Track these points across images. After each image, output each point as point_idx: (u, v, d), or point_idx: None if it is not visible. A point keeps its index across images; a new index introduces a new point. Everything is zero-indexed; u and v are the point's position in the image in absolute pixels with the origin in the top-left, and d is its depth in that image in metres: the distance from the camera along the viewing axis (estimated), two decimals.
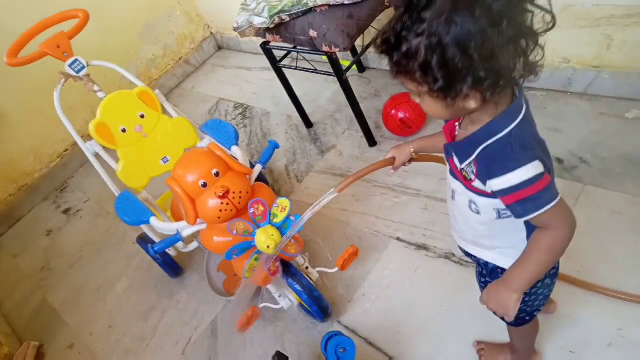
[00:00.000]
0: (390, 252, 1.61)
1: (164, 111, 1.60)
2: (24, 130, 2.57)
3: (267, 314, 1.57)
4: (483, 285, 1.00)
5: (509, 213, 0.76)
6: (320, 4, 1.65)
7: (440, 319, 1.38)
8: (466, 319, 1.34)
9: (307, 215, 1.03)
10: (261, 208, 1.18)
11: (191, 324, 1.70)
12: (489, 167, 0.72)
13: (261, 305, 1.42)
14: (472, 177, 0.76)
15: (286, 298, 1.45)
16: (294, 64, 1.96)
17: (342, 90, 1.81)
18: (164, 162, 1.59)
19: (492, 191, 0.74)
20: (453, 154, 0.80)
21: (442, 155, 0.87)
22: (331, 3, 1.65)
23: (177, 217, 1.64)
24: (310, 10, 1.69)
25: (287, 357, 1.20)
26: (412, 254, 1.57)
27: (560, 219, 0.72)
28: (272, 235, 1.15)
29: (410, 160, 1.05)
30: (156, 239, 1.71)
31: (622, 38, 1.57)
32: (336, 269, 1.41)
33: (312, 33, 1.68)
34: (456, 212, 0.90)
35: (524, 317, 0.98)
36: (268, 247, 1.14)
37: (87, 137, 1.57)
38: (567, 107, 1.76)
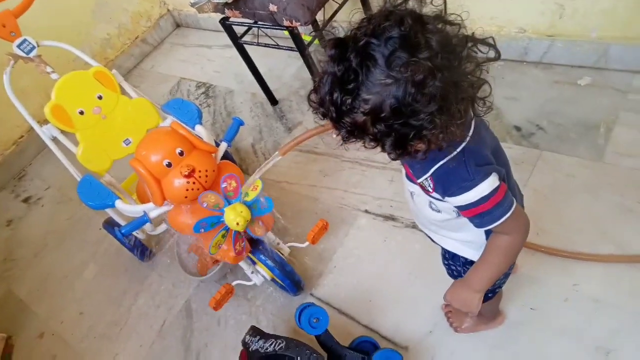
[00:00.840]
0: (359, 224, 1.64)
1: (123, 92, 1.56)
2: None
3: (241, 291, 1.58)
4: (447, 266, 1.05)
5: None
6: None
7: (410, 286, 1.43)
8: (434, 285, 1.37)
9: (253, 178, 1.05)
10: (234, 184, 1.17)
11: (165, 306, 1.70)
12: (446, 187, 0.73)
13: (234, 283, 1.43)
14: (430, 189, 0.77)
15: (259, 274, 1.46)
16: (256, 41, 1.93)
17: (306, 67, 1.80)
18: (127, 145, 1.55)
19: (455, 207, 0.77)
20: (409, 165, 0.81)
21: None
22: None
23: (143, 200, 1.61)
24: None
25: (262, 331, 1.22)
26: (380, 225, 1.61)
27: (515, 226, 0.77)
28: (242, 212, 1.15)
29: None
30: (123, 223, 1.68)
31: (574, 7, 1.61)
32: (307, 243, 1.43)
33: (272, 7, 1.65)
34: (416, 210, 0.92)
35: (488, 295, 1.03)
36: (237, 224, 1.14)
37: (43, 122, 1.52)
38: (524, 76, 1.82)
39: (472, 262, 0.94)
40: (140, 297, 1.77)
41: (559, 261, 1.32)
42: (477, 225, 0.76)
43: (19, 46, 1.45)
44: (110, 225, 1.76)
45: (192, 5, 1.79)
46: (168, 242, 1.88)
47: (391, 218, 1.61)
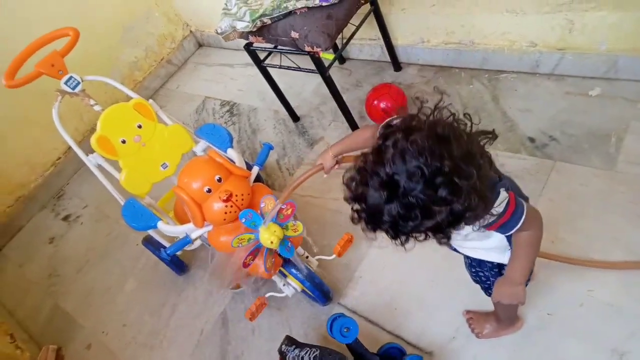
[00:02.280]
0: (382, 236, 1.73)
1: (160, 120, 1.68)
2: (15, 142, 2.62)
3: (274, 303, 1.68)
4: (474, 273, 1.14)
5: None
6: (299, 7, 1.73)
7: (432, 293, 1.52)
8: (455, 292, 1.48)
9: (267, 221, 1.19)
10: (250, 217, 1.25)
11: (202, 317, 1.82)
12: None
13: (267, 295, 1.54)
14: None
15: (290, 286, 1.57)
16: (278, 64, 2.04)
17: (325, 85, 1.90)
18: (164, 169, 1.67)
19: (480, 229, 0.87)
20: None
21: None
22: (310, 5, 1.73)
23: (180, 219, 1.74)
24: (290, 13, 1.77)
25: (296, 340, 1.32)
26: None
27: (532, 222, 0.88)
28: (275, 231, 1.26)
29: (337, 163, 1.17)
30: (162, 241, 1.81)
31: (583, 22, 1.68)
32: (334, 256, 1.53)
33: (294, 35, 1.76)
34: None
35: None
36: (272, 242, 1.25)
37: (80, 144, 1.64)
38: (536, 88, 1.89)
39: (498, 265, 1.05)
40: (178, 308, 1.90)
41: (574, 269, 1.39)
42: (502, 233, 0.89)
43: (65, 83, 1.58)
44: (149, 242, 1.89)
45: (219, 34, 1.91)
46: (202, 256, 2.00)
47: None
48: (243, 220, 1.24)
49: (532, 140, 1.74)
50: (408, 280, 1.58)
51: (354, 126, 2.07)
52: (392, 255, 1.67)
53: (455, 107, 1.99)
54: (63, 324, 2.08)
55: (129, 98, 1.66)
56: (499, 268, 1.05)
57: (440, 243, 0.77)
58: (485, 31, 1.94)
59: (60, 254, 2.43)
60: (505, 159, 1.72)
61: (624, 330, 1.25)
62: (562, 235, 1.46)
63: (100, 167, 1.67)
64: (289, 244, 1.33)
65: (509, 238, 0.97)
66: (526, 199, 1.03)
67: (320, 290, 1.50)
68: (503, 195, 0.84)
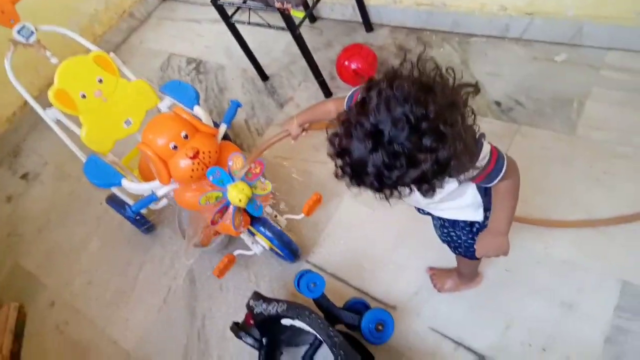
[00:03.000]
0: (350, 196, 1.75)
1: (122, 75, 1.62)
2: None
3: (242, 261, 1.69)
4: (445, 234, 1.16)
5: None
6: None
7: (398, 252, 1.56)
8: (418, 250, 1.52)
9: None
10: (218, 174, 1.24)
11: (169, 275, 1.82)
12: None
13: (236, 252, 1.55)
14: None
15: (258, 245, 1.58)
16: (247, 20, 1.97)
17: (295, 44, 1.86)
18: (127, 125, 1.62)
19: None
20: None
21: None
22: None
23: (145, 177, 1.70)
24: None
25: (264, 295, 1.34)
26: (369, 195, 1.71)
27: (511, 171, 0.90)
28: (243, 189, 1.26)
29: (304, 130, 1.20)
30: (127, 199, 1.78)
31: None
32: (302, 215, 1.55)
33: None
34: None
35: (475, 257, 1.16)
36: (240, 200, 1.25)
37: (37, 99, 1.57)
38: (505, 53, 1.90)
39: (471, 224, 1.07)
40: (145, 267, 1.89)
41: (534, 228, 1.45)
42: (486, 184, 0.90)
43: (18, 32, 1.49)
44: (113, 201, 1.85)
45: None
46: (168, 215, 1.98)
47: None
48: (210, 178, 1.23)
49: (498, 104, 1.77)
50: (375, 240, 1.62)
51: (324, 87, 2.05)
52: (359, 215, 1.69)
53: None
54: (25, 283, 2.04)
55: (88, 52, 1.58)
56: (471, 226, 1.08)
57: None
58: None
59: (20, 213, 2.35)
60: None
61: (575, 284, 1.33)
62: (524, 196, 1.48)
63: (59, 123, 1.61)
64: (258, 202, 1.33)
65: (484, 192, 0.98)
66: None
67: (288, 249, 1.52)
68: (486, 147, 0.84)
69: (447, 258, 1.37)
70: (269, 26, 1.92)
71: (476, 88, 0.78)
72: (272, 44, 2.43)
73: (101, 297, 1.87)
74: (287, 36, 1.87)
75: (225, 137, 1.68)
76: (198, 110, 1.50)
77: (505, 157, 0.89)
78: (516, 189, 0.94)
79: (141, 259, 1.91)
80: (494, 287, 1.39)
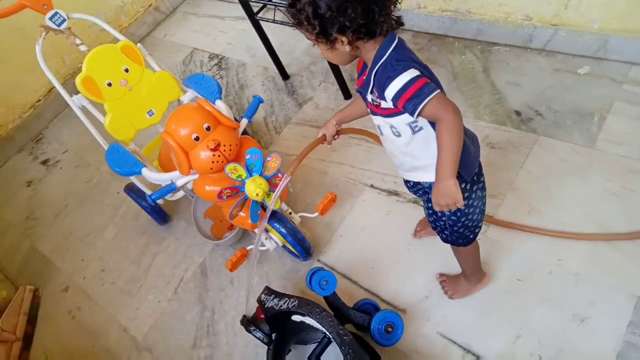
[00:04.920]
0: (365, 198, 1.76)
1: (148, 65, 1.65)
2: None
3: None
4: (431, 212, 1.16)
5: (419, 125, 0.98)
6: None
7: (409, 256, 1.57)
8: (431, 256, 1.53)
9: (277, 193, 1.22)
10: (238, 169, 1.26)
11: (181, 266, 1.84)
12: (381, 82, 0.93)
13: (249, 247, 1.56)
14: (378, 100, 0.97)
15: (272, 240, 1.59)
16: (272, 17, 2.00)
17: None
18: (150, 116, 1.65)
19: (392, 103, 0.93)
20: (364, 94, 1.00)
21: (361, 128, 1.11)
22: None
23: (164, 168, 1.73)
24: None
25: (276, 291, 1.35)
26: (384, 199, 1.73)
27: (443, 107, 0.91)
28: (261, 184, 1.27)
29: (337, 132, 1.25)
30: (145, 189, 1.81)
31: None
32: (317, 214, 1.56)
33: None
34: (388, 145, 1.10)
35: (469, 236, 1.19)
36: (257, 194, 1.26)
37: (62, 86, 1.60)
38: (527, 62, 1.90)
39: None
40: (158, 257, 1.91)
41: (547, 238, 1.44)
42: (412, 111, 0.91)
43: (50, 19, 1.53)
44: (131, 190, 1.88)
45: None
46: (184, 207, 2.01)
47: (395, 193, 1.73)
48: (229, 174, 1.25)
49: (518, 113, 1.77)
50: (387, 243, 1.63)
51: (344, 88, 2.06)
52: (373, 218, 1.70)
53: (446, 76, 1.99)
54: (40, 266, 2.08)
55: (115, 41, 1.61)
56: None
57: (322, 42, 0.92)
58: (482, 1, 1.92)
59: (38, 198, 2.40)
60: (490, 130, 1.75)
61: (587, 297, 1.32)
62: (538, 206, 1.52)
63: (84, 109, 1.64)
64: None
65: None
66: (476, 141, 1.10)
67: (301, 246, 1.53)
68: (412, 71, 0.90)
69: (457, 264, 1.37)
70: (293, 25, 1.94)
71: None
72: (295, 44, 2.45)
73: (114, 284, 1.90)
74: None
75: (244, 132, 1.70)
76: (220, 104, 1.52)
77: (437, 92, 0.90)
78: (454, 130, 0.92)
79: (155, 249, 1.94)
80: (505, 296, 1.39)
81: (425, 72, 0.93)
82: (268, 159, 1.33)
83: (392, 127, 1.01)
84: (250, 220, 1.38)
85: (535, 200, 1.53)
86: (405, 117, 0.96)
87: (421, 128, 0.99)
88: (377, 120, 1.04)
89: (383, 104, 0.97)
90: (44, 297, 1.97)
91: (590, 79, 1.76)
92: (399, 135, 1.02)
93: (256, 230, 1.32)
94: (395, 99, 0.91)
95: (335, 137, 1.25)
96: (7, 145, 2.67)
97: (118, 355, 1.69)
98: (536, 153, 1.64)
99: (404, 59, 0.92)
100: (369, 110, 1.06)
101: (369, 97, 0.99)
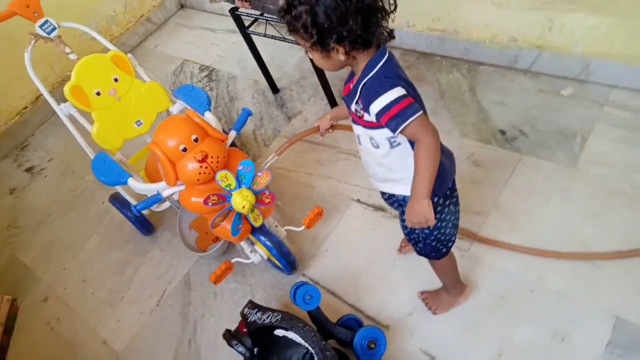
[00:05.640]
0: (351, 212, 1.77)
1: (137, 75, 1.65)
2: None
3: (239, 269, 1.70)
4: (406, 225, 1.16)
5: (397, 140, 1.00)
6: None
7: (393, 272, 1.57)
8: (415, 272, 1.53)
9: (264, 165, 1.25)
10: (229, 177, 1.27)
11: (165, 278, 1.82)
12: (367, 96, 0.94)
13: (233, 260, 1.55)
14: (362, 112, 0.98)
15: (257, 253, 1.59)
16: (263, 32, 2.02)
17: (308, 58, 1.90)
18: (138, 125, 1.65)
19: (375, 117, 0.95)
20: (349, 103, 1.02)
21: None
22: None
23: (151, 178, 1.72)
24: None
25: (259, 305, 1.35)
26: (370, 214, 1.74)
27: (424, 129, 0.94)
28: (248, 197, 1.27)
29: (332, 127, 1.29)
30: (130, 199, 1.79)
31: (562, 22, 1.74)
32: (303, 227, 1.56)
33: (282, 2, 1.74)
34: (365, 155, 1.12)
35: (442, 249, 1.21)
36: (244, 207, 1.26)
37: (50, 94, 1.60)
38: (512, 83, 1.94)
39: None
40: (142, 268, 1.89)
41: (529, 256, 1.46)
42: (394, 128, 0.93)
43: (41, 26, 1.53)
44: (116, 200, 1.86)
45: None
46: (169, 218, 1.99)
47: (381, 209, 1.74)
48: (219, 182, 1.24)
49: (503, 132, 1.80)
50: (372, 258, 1.63)
51: (333, 103, 2.08)
52: (359, 233, 1.71)
53: (433, 94, 2.02)
54: (20, 276, 2.04)
55: (105, 51, 1.61)
56: None
57: (314, 50, 0.92)
58: (470, 21, 1.97)
59: (21, 206, 2.36)
60: (475, 148, 1.78)
61: (567, 316, 1.33)
62: (522, 224, 1.54)
63: (71, 118, 1.63)
64: (259, 212, 1.35)
65: None
66: (452, 157, 1.12)
67: (286, 259, 1.53)
68: (398, 90, 0.92)
69: (437, 280, 1.38)
70: (284, 39, 1.96)
71: (395, 1, 0.91)
72: (285, 58, 2.47)
73: (95, 295, 1.87)
74: (300, 51, 1.92)
75: (232, 144, 1.70)
76: (209, 115, 1.52)
77: (420, 114, 0.92)
78: (433, 151, 0.95)
79: (139, 260, 1.92)
80: (487, 313, 1.40)
81: (411, 90, 0.95)
82: (259, 174, 1.33)
83: (371, 138, 1.03)
84: (231, 234, 1.37)
85: (518, 218, 1.55)
86: (386, 132, 0.97)
87: (399, 144, 1.01)
88: (358, 129, 1.06)
89: (366, 117, 0.98)
90: (22, 307, 1.93)
91: (573, 101, 1.80)
92: (377, 147, 1.04)
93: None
94: (379, 114, 0.93)
95: (330, 130, 1.29)
96: None
97: None
98: (520, 171, 1.67)
99: (392, 76, 0.94)
100: (350, 118, 1.07)
101: (353, 107, 1.01)
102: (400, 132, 0.93)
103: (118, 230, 2.05)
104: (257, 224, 1.38)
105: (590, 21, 1.69)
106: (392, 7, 0.91)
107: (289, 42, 1.96)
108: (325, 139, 1.98)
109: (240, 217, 1.37)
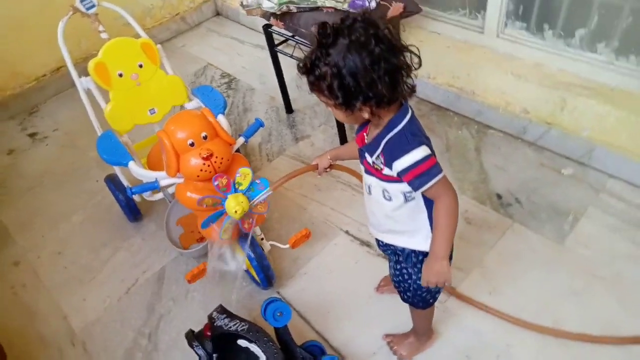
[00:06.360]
0: (338, 242, 1.78)
1: (162, 67, 1.69)
2: (7, 45, 2.55)
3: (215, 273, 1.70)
4: (398, 271, 1.20)
5: (413, 195, 1.00)
6: (328, 5, 1.79)
7: (366, 309, 1.57)
8: (388, 313, 1.53)
9: (258, 199, 1.26)
10: (224, 181, 1.29)
11: (140, 267, 1.81)
12: (392, 153, 0.94)
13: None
14: (382, 166, 0.97)
15: (237, 261, 1.58)
16: (290, 52, 2.08)
17: None
18: (151, 114, 1.68)
19: (397, 174, 0.95)
20: (366, 154, 1.01)
21: (352, 169, 1.12)
22: (338, 7, 1.79)
23: (152, 167, 1.74)
24: (317, 8, 1.82)
25: (229, 311, 1.34)
26: (356, 248, 1.75)
27: (446, 189, 0.96)
28: (242, 202, 1.29)
29: (330, 166, 1.29)
30: (125, 183, 1.80)
31: (575, 104, 1.80)
32: (288, 246, 1.57)
33: (314, 30, 1.81)
34: (373, 205, 1.11)
35: (429, 300, 1.22)
36: (236, 212, 1.28)
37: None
38: (516, 151, 1.99)
39: (421, 260, 1.10)
40: (120, 253, 1.88)
41: (502, 321, 1.47)
42: (417, 187, 0.94)
43: (81, 1, 1.58)
44: (112, 181, 1.87)
45: (244, 7, 1.94)
46: (158, 210, 1.99)
47: (367, 244, 1.75)
48: (216, 184, 1.26)
49: (499, 196, 1.83)
50: (348, 290, 1.63)
51: (342, 134, 2.13)
52: (341, 263, 1.71)
53: (439, 147, 2.06)
54: None
55: (137, 37, 1.66)
56: (421, 263, 1.11)
57: (340, 110, 0.90)
58: (487, 85, 2.04)
59: (16, 168, 2.37)
60: (470, 206, 1.81)
61: None
62: (501, 288, 1.55)
63: (88, 93, 1.66)
64: (252, 220, 1.36)
65: (432, 218, 1.02)
66: None
67: (265, 273, 1.53)
68: (424, 149, 0.93)
69: (409, 325, 1.38)
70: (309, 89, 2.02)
71: (418, 56, 0.90)
72: (305, 82, 2.52)
73: (67, 269, 1.85)
74: None
75: (237, 151, 1.73)
76: (222, 118, 1.55)
77: (443, 174, 0.94)
78: (453, 211, 0.97)
79: (119, 244, 1.91)
80: None
81: (431, 145, 0.96)
82: (257, 181, 1.35)
83: (385, 190, 1.02)
84: (219, 237, 1.38)
85: (498, 282, 1.57)
86: (403, 186, 0.97)
87: (414, 198, 1.01)
88: (370, 180, 1.05)
89: (386, 171, 0.97)
90: None
91: (571, 181, 1.85)
92: (389, 200, 1.03)
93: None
94: (403, 172, 0.93)
95: (327, 169, 1.29)
96: (0, 111, 2.66)
97: (50, 343, 1.63)
98: (508, 237, 1.70)
99: (417, 133, 0.94)
100: (363, 168, 1.07)
101: (372, 159, 0.99)
102: (423, 191, 0.94)
103: (105, 212, 2.04)
104: (261, 210, 1.37)
105: (600, 109, 1.75)
106: (417, 65, 0.91)
107: None
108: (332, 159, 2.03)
109: (231, 222, 1.37)
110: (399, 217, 1.06)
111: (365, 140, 1.02)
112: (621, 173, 1.80)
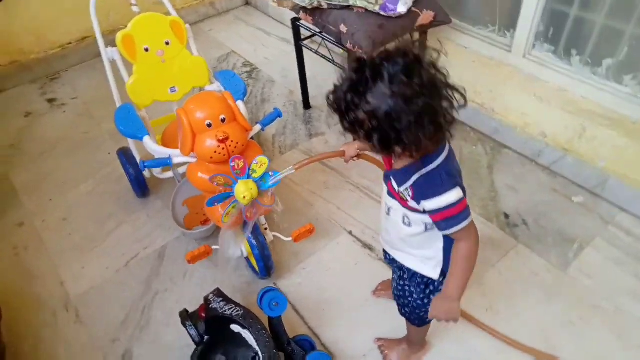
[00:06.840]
0: (340, 241, 1.78)
1: (188, 47, 1.70)
2: (33, 9, 2.58)
3: (215, 257, 1.69)
4: (400, 287, 1.19)
5: (433, 227, 0.96)
6: (359, 5, 1.79)
7: (361, 311, 1.57)
8: (383, 317, 1.52)
9: (271, 183, 1.25)
10: (241, 164, 1.29)
11: (142, 243, 1.82)
12: (424, 192, 0.90)
13: (214, 247, 1.56)
14: (409, 198, 0.94)
15: (239, 248, 1.59)
16: (315, 48, 2.08)
17: None
18: (172, 92, 1.69)
19: (424, 210, 0.93)
20: (392, 178, 0.97)
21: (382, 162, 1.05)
22: (369, 9, 1.79)
23: (166, 144, 1.74)
24: (348, 7, 1.82)
25: (226, 295, 1.34)
26: (357, 249, 1.75)
27: (470, 234, 0.93)
28: (251, 189, 1.29)
29: (357, 156, 1.24)
30: (138, 157, 1.81)
31: (594, 134, 1.79)
32: (290, 239, 1.57)
33: (343, 28, 1.81)
34: (389, 226, 1.09)
35: (425, 319, 1.21)
36: (244, 197, 1.28)
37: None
38: (530, 174, 1.98)
39: (427, 283, 1.10)
40: (124, 226, 1.89)
41: (495, 340, 1.45)
42: (442, 229, 0.92)
43: None
44: (124, 154, 1.88)
45: None
46: (165, 189, 2.00)
47: (369, 247, 1.75)
48: (215, 184, 1.25)
49: (507, 216, 1.82)
50: (345, 291, 1.63)
51: None
52: (341, 263, 1.71)
53: None
54: (4, 195, 2.04)
55: (167, 15, 1.67)
56: (426, 285, 1.11)
57: (375, 150, 0.83)
58: (508, 105, 2.03)
59: (31, 131, 2.39)
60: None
61: None
62: (497, 307, 1.54)
63: (113, 64, 1.68)
64: (270, 192, 1.35)
65: (446, 249, 1.01)
66: None
67: (265, 263, 1.53)
68: (458, 191, 0.89)
69: (403, 331, 1.38)
70: (332, 62, 2.03)
71: (463, 96, 0.83)
72: (327, 80, 2.53)
73: (70, 236, 1.87)
74: None
75: (251, 138, 1.73)
76: (240, 105, 1.56)
77: (471, 218, 0.92)
78: (474, 255, 0.95)
79: (123, 217, 1.92)
80: None
81: (462, 183, 0.93)
82: (270, 173, 1.35)
83: (405, 216, 1.00)
84: (222, 220, 1.38)
85: (496, 301, 1.56)
86: (427, 218, 0.95)
87: (433, 228, 0.97)
88: (392, 203, 1.01)
89: (412, 203, 0.94)
90: None
91: (581, 209, 1.83)
92: (409, 225, 1.01)
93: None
94: (433, 212, 0.90)
95: (355, 158, 1.23)
96: (22, 73, 2.68)
97: (45, 305, 1.64)
98: (511, 258, 1.69)
99: (454, 174, 0.90)
100: (385, 188, 1.03)
101: (399, 188, 0.95)
102: (447, 234, 0.92)
103: (114, 184, 2.06)
104: (266, 203, 1.36)
105: (619, 142, 1.74)
106: (462, 103, 0.84)
107: (336, 65, 2.02)
108: (338, 166, 2.03)
109: (234, 207, 1.37)
110: (415, 242, 1.04)
111: (393, 165, 0.97)
112: (633, 207, 1.78)
